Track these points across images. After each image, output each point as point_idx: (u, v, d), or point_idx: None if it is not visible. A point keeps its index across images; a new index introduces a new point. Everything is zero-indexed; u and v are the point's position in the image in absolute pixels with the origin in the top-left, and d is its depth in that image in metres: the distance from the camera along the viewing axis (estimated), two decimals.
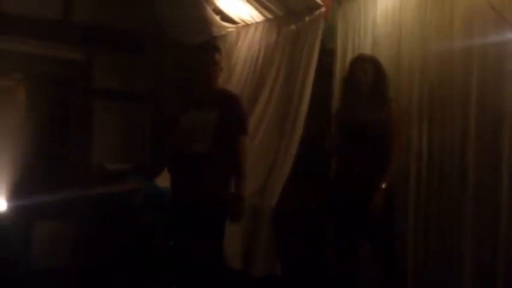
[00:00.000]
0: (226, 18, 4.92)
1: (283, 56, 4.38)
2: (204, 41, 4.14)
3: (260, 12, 4.60)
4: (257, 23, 4.75)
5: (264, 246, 3.85)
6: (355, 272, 3.11)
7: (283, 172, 3.97)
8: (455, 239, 3.12)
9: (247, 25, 4.86)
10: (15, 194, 4.57)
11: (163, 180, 4.16)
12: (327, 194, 3.24)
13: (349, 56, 3.86)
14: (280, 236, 3.85)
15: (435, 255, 3.24)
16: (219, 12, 4.87)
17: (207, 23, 4.88)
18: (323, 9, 4.10)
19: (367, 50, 3.70)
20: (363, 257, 3.20)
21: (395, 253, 3.07)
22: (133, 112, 5.67)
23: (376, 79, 3.09)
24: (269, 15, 4.59)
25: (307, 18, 4.21)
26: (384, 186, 2.91)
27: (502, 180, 2.94)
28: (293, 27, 4.35)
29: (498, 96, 2.98)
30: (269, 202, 3.90)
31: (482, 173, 3.03)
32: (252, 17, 4.73)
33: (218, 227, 3.05)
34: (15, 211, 4.50)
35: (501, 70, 2.97)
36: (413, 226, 3.33)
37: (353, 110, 3.10)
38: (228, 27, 4.98)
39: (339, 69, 3.97)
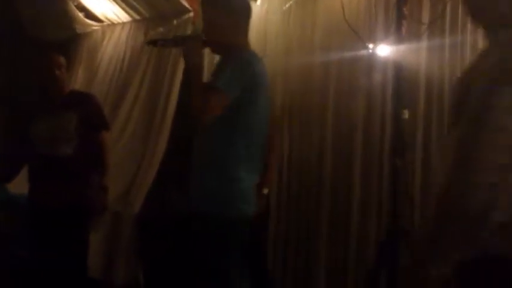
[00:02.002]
0: (91, 15, 4.69)
1: (150, 59, 4.30)
2: (47, 44, 3.95)
3: (127, 12, 4.46)
4: (124, 23, 4.60)
5: (126, 254, 3.75)
6: None
7: (148, 178, 3.89)
8: (312, 239, 3.32)
9: (113, 24, 4.68)
10: None
11: (17, 186, 3.87)
12: None
13: None
14: (144, 243, 3.77)
15: (295, 255, 3.41)
16: (82, 9, 4.63)
17: (68, 19, 4.61)
18: (191, 13, 4.10)
19: None
20: None
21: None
22: None
23: None
24: (136, 16, 4.48)
25: (175, 22, 4.18)
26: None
27: (354, 184, 3.20)
28: (161, 29, 4.29)
29: (352, 108, 3.21)
30: (132, 208, 3.80)
31: (337, 177, 3.26)
32: (118, 16, 4.57)
33: (83, 233, 3.04)
34: None
35: (354, 85, 3.21)
36: (274, 230, 3.47)
37: None
38: (93, 25, 4.75)
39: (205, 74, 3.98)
